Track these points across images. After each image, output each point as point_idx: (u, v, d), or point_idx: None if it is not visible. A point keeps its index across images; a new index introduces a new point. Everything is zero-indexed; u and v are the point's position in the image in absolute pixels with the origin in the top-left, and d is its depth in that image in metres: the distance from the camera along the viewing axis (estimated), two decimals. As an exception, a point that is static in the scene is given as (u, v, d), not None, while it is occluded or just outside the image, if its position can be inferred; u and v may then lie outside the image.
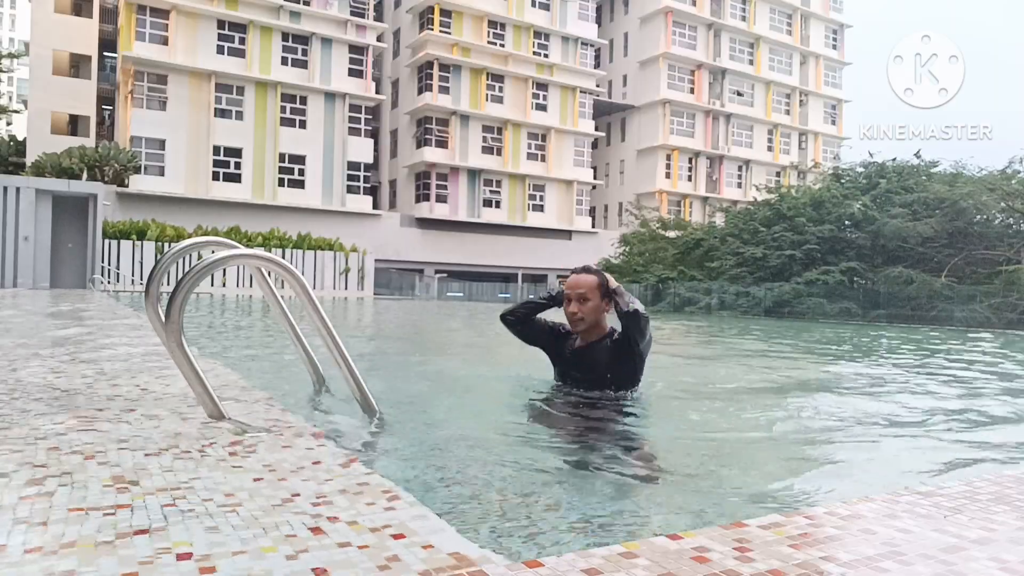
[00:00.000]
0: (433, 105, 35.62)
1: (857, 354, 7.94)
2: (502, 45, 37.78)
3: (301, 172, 32.68)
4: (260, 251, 2.19)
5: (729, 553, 1.11)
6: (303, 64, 32.72)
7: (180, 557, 1.04)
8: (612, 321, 3.13)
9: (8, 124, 51.24)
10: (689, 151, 44.06)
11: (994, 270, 18.02)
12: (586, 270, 3.17)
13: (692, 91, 44.05)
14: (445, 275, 35.82)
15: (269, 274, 2.81)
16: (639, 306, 2.99)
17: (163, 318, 2.33)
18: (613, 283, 3.09)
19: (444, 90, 36.13)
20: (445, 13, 36.29)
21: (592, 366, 3.12)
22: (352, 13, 33.87)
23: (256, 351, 5.94)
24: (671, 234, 28.95)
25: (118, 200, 27.56)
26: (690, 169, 44.54)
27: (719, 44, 44.64)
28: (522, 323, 3.34)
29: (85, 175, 26.29)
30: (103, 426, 1.96)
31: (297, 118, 32.59)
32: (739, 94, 45.71)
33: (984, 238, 19.31)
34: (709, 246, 24.90)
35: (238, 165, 31.35)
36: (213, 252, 2.15)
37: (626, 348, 3.08)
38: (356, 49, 33.98)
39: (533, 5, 38.76)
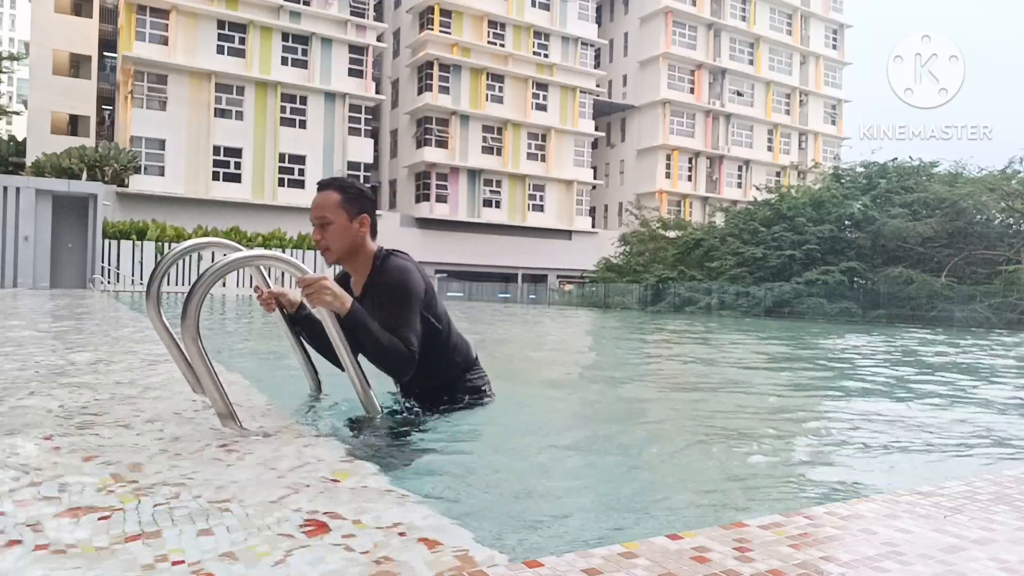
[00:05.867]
0: (433, 105, 35.62)
1: (856, 355, 7.94)
2: (502, 45, 37.79)
3: (301, 172, 32.68)
4: (280, 253, 2.18)
5: (729, 553, 1.11)
6: (303, 64, 32.72)
7: (176, 563, 1.03)
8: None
9: (8, 124, 51.23)
10: (689, 151, 44.07)
11: (994, 270, 17.98)
12: (324, 184, 2.36)
13: (692, 91, 44.05)
14: (445, 275, 35.82)
15: (269, 273, 2.81)
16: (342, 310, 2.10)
17: (163, 318, 2.33)
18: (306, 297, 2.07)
19: (444, 90, 36.13)
20: (445, 13, 36.30)
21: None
22: (352, 13, 33.88)
23: (254, 352, 5.94)
24: (671, 234, 28.91)
25: (118, 200, 27.56)
26: (690, 169, 44.55)
27: (719, 44, 44.65)
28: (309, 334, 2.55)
29: (85, 175, 26.29)
30: (103, 428, 1.96)
31: (297, 118, 32.60)
32: (739, 94, 45.71)
33: (984, 238, 19.27)
34: (709, 246, 24.87)
35: (238, 165, 31.36)
36: (213, 253, 2.15)
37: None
38: (356, 49, 33.99)
39: (533, 5, 38.77)
